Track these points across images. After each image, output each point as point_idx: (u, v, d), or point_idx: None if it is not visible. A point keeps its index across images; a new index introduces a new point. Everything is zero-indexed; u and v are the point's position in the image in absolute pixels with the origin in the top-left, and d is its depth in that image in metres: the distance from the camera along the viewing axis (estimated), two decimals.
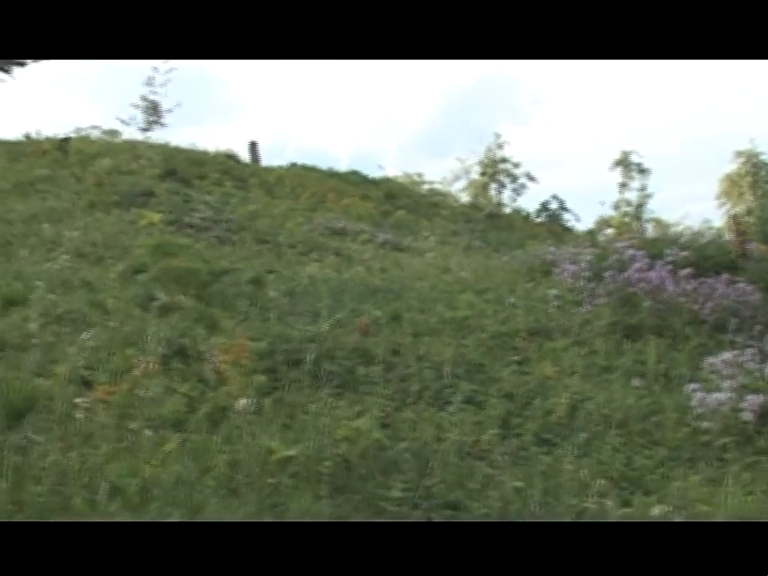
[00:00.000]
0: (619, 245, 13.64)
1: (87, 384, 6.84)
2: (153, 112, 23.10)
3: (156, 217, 13.80)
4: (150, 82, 23.75)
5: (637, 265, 12.19)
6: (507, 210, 45.24)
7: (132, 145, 29.30)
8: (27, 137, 29.99)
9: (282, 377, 7.41)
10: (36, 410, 5.23)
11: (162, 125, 23.57)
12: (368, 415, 6.67)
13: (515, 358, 9.55)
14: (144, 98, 23.69)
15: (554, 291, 12.67)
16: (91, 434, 5.46)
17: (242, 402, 6.21)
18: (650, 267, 12.08)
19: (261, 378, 6.91)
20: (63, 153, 25.41)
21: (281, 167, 35.12)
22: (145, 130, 22.98)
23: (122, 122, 23.70)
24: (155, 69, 23.29)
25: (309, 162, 35.70)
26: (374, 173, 40.86)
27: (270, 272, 11.83)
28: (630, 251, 12.84)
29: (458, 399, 7.79)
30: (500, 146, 49.62)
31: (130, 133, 25.13)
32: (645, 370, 9.50)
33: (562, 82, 72.46)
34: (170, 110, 23.85)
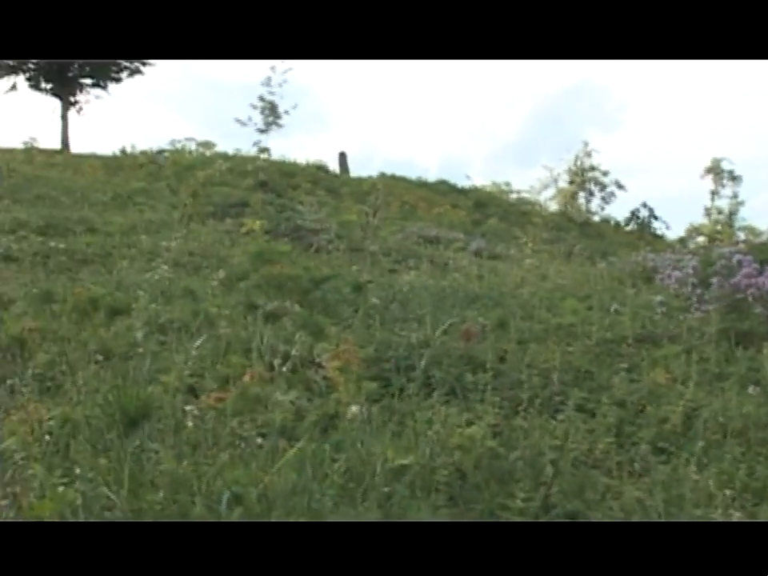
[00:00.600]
0: (725, 250, 13.28)
1: (194, 392, 6.80)
2: (271, 113, 23.09)
3: (257, 224, 13.86)
4: (267, 83, 23.73)
5: (745, 270, 11.82)
6: (596, 219, 44.86)
7: (225, 156, 29.69)
8: (123, 151, 30.62)
9: (390, 384, 7.29)
10: (149, 417, 5.17)
11: (279, 125, 23.52)
12: (480, 423, 6.49)
13: (623, 365, 9.27)
14: (262, 99, 23.67)
15: (658, 297, 12.36)
16: (202, 441, 5.39)
17: (353, 409, 6.08)
18: (760, 273, 11.69)
19: (371, 385, 6.79)
20: (158, 166, 25.84)
21: (370, 177, 35.20)
22: (262, 131, 22.96)
23: (240, 122, 23.70)
24: (272, 68, 23.21)
25: (397, 171, 35.71)
26: (461, 182, 40.83)
27: (369, 280, 11.74)
28: (738, 256, 12.46)
29: (568, 407, 7.56)
30: (588, 154, 49.28)
31: (248, 134, 25.01)
32: (759, 377, 9.15)
33: (651, 88, 71.60)
34: (287, 112, 23.79)
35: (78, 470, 4.50)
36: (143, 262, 13.79)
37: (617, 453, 6.80)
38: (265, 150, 23.70)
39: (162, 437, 5.30)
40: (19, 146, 30.00)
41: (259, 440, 5.58)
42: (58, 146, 35.28)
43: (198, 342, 7.75)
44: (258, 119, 23.30)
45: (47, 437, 5.18)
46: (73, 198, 20.34)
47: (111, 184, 23.14)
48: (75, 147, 35.79)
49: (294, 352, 7.26)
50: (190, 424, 5.50)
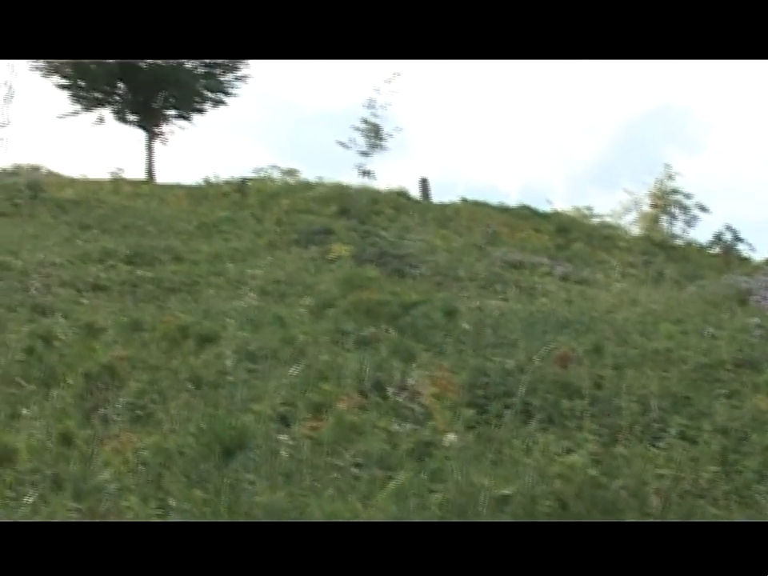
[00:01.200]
0: None
1: (285, 420, 6.68)
2: (374, 135, 23.04)
3: (345, 249, 13.79)
4: (371, 105, 23.65)
5: None
6: (679, 242, 44.12)
7: (307, 184, 29.81)
8: (206, 181, 30.88)
9: (485, 410, 7.10)
10: (244, 447, 5.05)
11: (383, 148, 23.39)
12: (580, 451, 6.27)
13: (723, 390, 8.96)
14: (365, 121, 23.58)
15: (755, 320, 11.99)
16: (296, 470, 5.27)
17: (451, 437, 5.91)
18: None
19: (468, 412, 6.60)
20: (242, 195, 26.01)
21: (452, 203, 35.05)
22: (365, 153, 22.89)
23: (342, 145, 23.62)
24: (377, 90, 23.12)
25: (478, 197, 35.48)
26: (542, 206, 40.42)
27: (455, 305, 11.56)
28: None
29: (669, 434, 7.30)
30: (671, 177, 48.50)
31: (350, 156, 24.99)
32: None
33: (735, 109, 70.52)
34: (390, 135, 23.63)
35: (172, 502, 4.40)
36: (229, 290, 13.82)
37: (723, 482, 6.53)
38: (368, 172, 23.62)
39: (256, 467, 5.17)
40: (106, 176, 30.52)
41: (355, 470, 5.44)
42: (143, 176, 35.75)
43: (285, 370, 7.67)
44: (361, 142, 23.22)
45: (140, 467, 5.10)
46: (159, 228, 20.52)
47: (196, 213, 23.32)
48: (160, 177, 36.28)
49: (386, 378, 7.13)
50: (285, 453, 5.37)
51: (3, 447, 5.02)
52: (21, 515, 4.37)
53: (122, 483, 4.67)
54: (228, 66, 38.97)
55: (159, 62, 37.51)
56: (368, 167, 23.54)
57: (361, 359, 7.93)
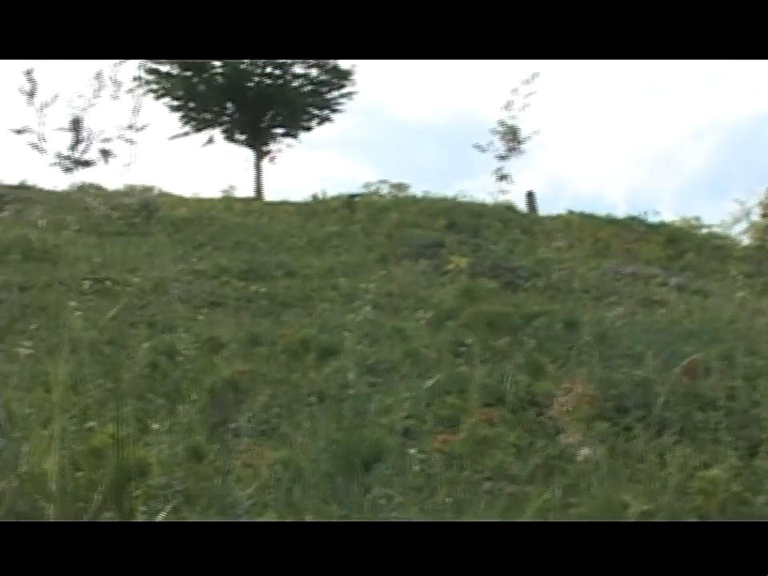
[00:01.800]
0: None
1: (410, 434, 6.56)
2: (512, 138, 22.79)
3: (463, 261, 13.65)
4: (508, 106, 23.37)
5: None
6: None
7: (413, 199, 29.83)
8: (314, 197, 31.11)
9: (616, 423, 6.88)
10: (377, 460, 4.95)
11: (520, 152, 23.12)
12: (719, 465, 6.02)
13: None
14: (502, 123, 23.34)
15: None
16: (428, 485, 5.15)
17: (585, 450, 5.71)
18: None
19: (602, 425, 6.40)
20: (351, 210, 26.12)
21: (559, 215, 34.71)
22: (503, 157, 22.60)
23: (479, 149, 23.45)
24: (515, 91, 22.89)
25: (583, 208, 35.03)
26: (650, 217, 39.80)
27: (577, 317, 11.34)
28: None
29: None
30: None
31: (486, 161, 24.91)
32: None
33: None
34: (529, 137, 23.34)
35: (309, 517, 4.31)
36: (343, 304, 13.79)
37: None
38: (505, 176, 23.31)
39: (389, 481, 5.06)
40: (217, 195, 30.96)
41: (488, 484, 5.30)
42: (251, 194, 36.18)
43: (408, 383, 7.57)
44: (498, 146, 22.92)
45: (273, 482, 5.03)
46: (270, 243, 20.67)
47: (306, 229, 23.45)
48: (268, 195, 36.68)
49: (513, 391, 6.97)
50: (416, 468, 5.25)
51: (137, 462, 5.00)
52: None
53: (257, 498, 4.60)
54: (334, 83, 39.29)
55: (267, 80, 38.02)
56: (505, 171, 23.20)
57: (486, 372, 7.78)
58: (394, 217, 23.09)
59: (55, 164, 4.81)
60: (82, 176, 4.77)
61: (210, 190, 46.92)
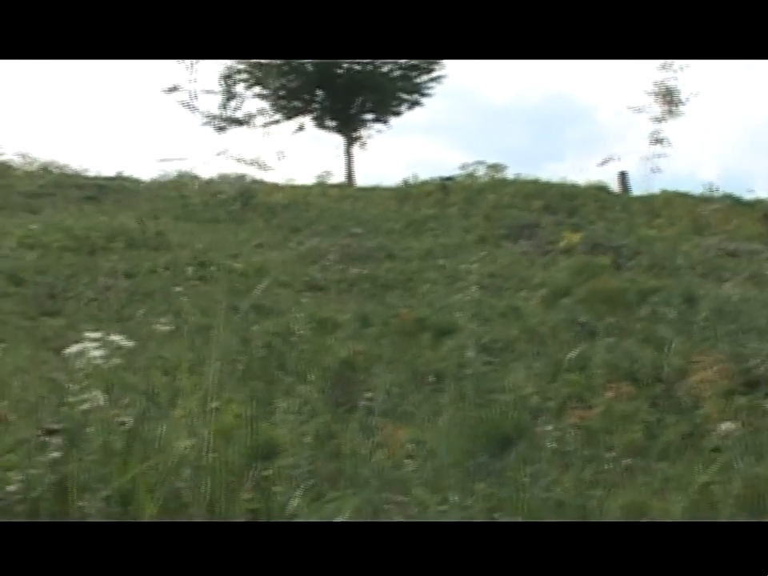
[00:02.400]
0: None
1: (537, 411, 6.41)
2: (669, 99, 22.21)
3: (576, 237, 13.42)
4: (665, 66, 22.71)
5: None
6: None
7: (504, 180, 29.64)
8: (405, 182, 31.06)
9: (753, 397, 6.64)
10: (515, 438, 4.82)
11: (677, 114, 22.46)
12: None
13: None
14: (658, 84, 22.68)
15: None
16: (569, 462, 5.00)
17: (725, 425, 5.50)
18: None
19: (741, 400, 6.17)
20: (444, 193, 26.03)
21: (654, 194, 34.17)
22: (659, 120, 22.02)
23: (635, 110, 22.85)
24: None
25: (678, 187, 34.43)
26: (744, 195, 39.01)
27: (694, 292, 11.07)
28: None
29: None
30: None
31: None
32: None
33: None
34: (687, 99, 22.65)
35: (454, 497, 4.19)
36: (445, 285, 13.70)
37: None
38: (660, 140, 22.65)
39: (528, 459, 4.92)
40: (309, 182, 31.07)
41: (627, 461, 5.13)
42: (342, 180, 36.23)
43: (526, 361, 7.43)
44: (654, 108, 22.26)
45: (406, 461, 4.93)
46: (366, 228, 20.62)
47: (401, 212, 23.41)
48: (359, 180, 36.69)
49: (638, 367, 6.78)
50: (552, 444, 5.11)
51: (267, 442, 4.94)
52: (292, 511, 4.26)
53: (396, 476, 4.50)
54: (424, 67, 39.09)
55: (356, 67, 37.99)
56: (661, 135, 22.46)
57: (606, 348, 7.59)
58: (490, 198, 22.91)
59: (207, 123, 4.77)
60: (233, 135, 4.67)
61: (303, 177, 47.15)
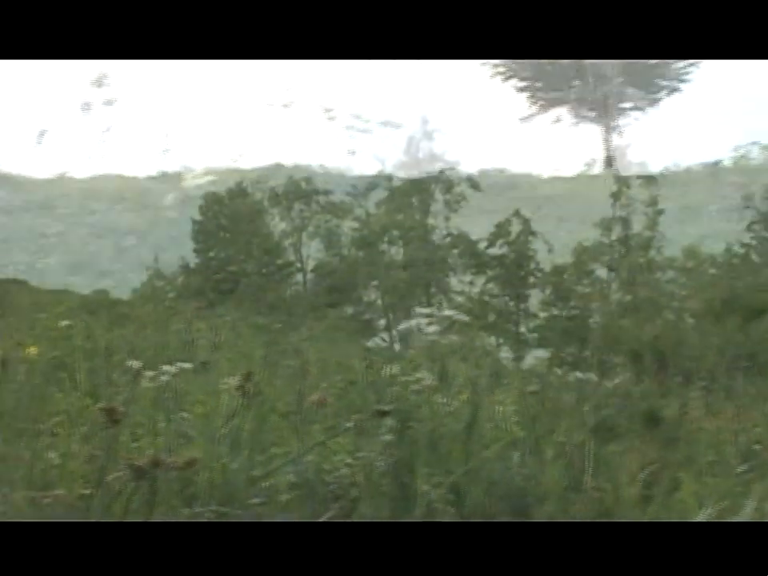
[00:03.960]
0: None
1: None
2: None
3: None
4: None
5: None
6: None
7: None
8: (666, 168, 30.38)
9: None
10: None
11: None
12: None
13: None
14: None
15: None
16: None
17: None
18: None
19: None
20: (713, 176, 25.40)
21: None
22: None
23: None
24: None
25: None
26: None
27: None
28: None
29: None
30: None
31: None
32: None
33: None
34: None
35: None
36: None
37: None
38: None
39: None
40: (572, 172, 30.95)
41: None
42: (601, 169, 35.90)
43: None
44: None
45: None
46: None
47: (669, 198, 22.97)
48: (620, 168, 36.15)
49: None
50: None
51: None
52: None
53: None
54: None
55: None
56: None
57: None
58: None
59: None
60: None
61: (562, 168, 46.92)
